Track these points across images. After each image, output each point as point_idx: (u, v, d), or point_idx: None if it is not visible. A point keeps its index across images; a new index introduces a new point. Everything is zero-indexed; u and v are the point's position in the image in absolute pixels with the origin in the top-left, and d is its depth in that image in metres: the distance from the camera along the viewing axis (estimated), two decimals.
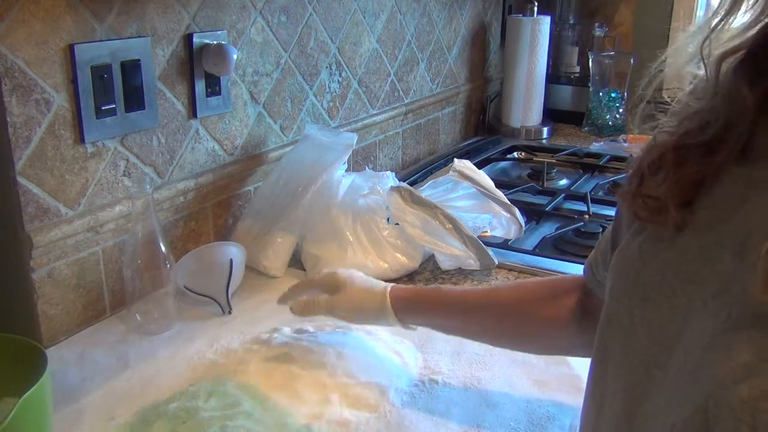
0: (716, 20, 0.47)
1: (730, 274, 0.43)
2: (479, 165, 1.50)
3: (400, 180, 1.24)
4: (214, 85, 1.10)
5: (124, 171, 0.99)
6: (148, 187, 0.90)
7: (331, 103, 1.41)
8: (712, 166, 0.47)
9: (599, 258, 0.67)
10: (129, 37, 0.96)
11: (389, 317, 0.81)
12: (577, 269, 1.12)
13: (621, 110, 2.08)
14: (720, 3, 0.47)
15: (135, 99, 0.97)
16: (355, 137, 1.21)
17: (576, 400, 0.80)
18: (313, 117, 1.37)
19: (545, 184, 1.60)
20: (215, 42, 1.08)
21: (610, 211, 1.44)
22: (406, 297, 0.81)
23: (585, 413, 0.59)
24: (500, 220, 1.22)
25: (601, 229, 1.27)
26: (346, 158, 1.18)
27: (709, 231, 0.46)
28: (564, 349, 0.81)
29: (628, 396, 0.50)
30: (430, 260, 1.16)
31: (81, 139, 0.91)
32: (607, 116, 2.08)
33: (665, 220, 0.49)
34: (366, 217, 1.13)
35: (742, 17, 0.47)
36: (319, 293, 0.87)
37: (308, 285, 0.90)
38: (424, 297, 0.82)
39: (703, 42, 0.48)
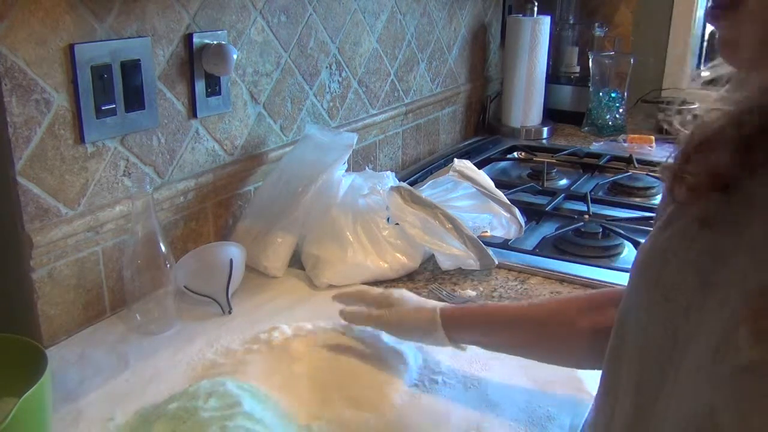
0: None
1: (744, 276, 0.43)
2: (479, 165, 1.50)
3: (400, 180, 1.24)
4: (214, 85, 1.10)
5: (124, 171, 0.99)
6: (148, 187, 0.90)
7: (331, 103, 1.41)
8: (747, 160, 0.45)
9: None
10: (129, 37, 0.95)
11: (438, 334, 0.81)
12: (577, 269, 1.13)
13: (621, 110, 2.08)
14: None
15: (135, 99, 0.97)
16: (355, 137, 1.21)
17: (576, 400, 0.81)
18: (313, 117, 1.37)
19: (545, 184, 1.60)
20: (215, 42, 1.08)
21: (611, 211, 1.44)
22: (454, 314, 0.82)
23: (597, 408, 0.59)
24: (500, 220, 1.22)
25: (601, 229, 1.27)
26: (346, 158, 1.18)
27: (732, 231, 0.46)
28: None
29: (641, 392, 0.50)
30: (430, 260, 1.16)
31: (81, 139, 0.91)
32: (607, 116, 2.08)
33: (698, 205, 0.48)
34: (366, 217, 1.13)
35: None
36: (370, 306, 0.88)
37: (362, 296, 0.91)
38: (471, 313, 0.84)
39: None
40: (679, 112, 0.54)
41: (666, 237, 0.52)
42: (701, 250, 0.47)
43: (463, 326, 0.82)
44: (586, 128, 2.12)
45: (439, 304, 0.84)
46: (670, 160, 0.52)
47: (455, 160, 1.27)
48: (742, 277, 0.43)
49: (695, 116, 0.52)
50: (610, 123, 2.07)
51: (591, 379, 0.84)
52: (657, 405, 0.48)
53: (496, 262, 1.12)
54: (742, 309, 0.41)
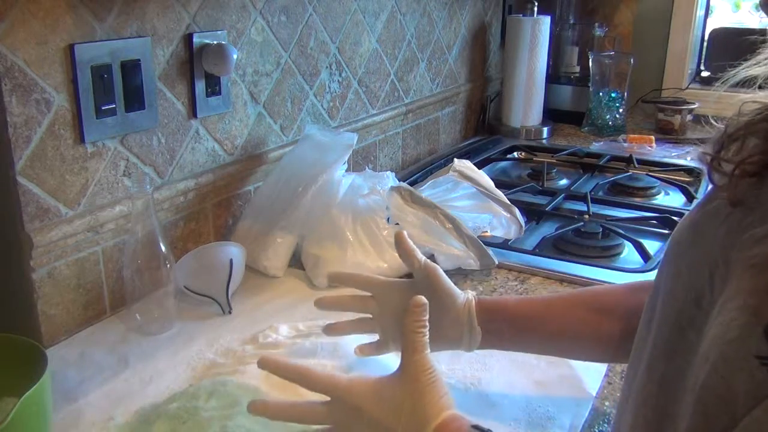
0: None
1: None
2: (479, 165, 1.50)
3: (400, 180, 1.24)
4: (214, 85, 1.10)
5: (124, 171, 0.99)
6: (148, 187, 0.90)
7: (331, 103, 1.41)
8: None
9: None
10: (129, 37, 0.96)
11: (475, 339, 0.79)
12: (577, 269, 1.13)
13: (621, 110, 2.08)
14: None
15: (135, 99, 0.97)
16: (355, 137, 1.21)
17: (576, 400, 0.80)
18: (313, 117, 1.37)
19: (545, 184, 1.60)
20: (215, 42, 1.08)
21: (610, 211, 1.44)
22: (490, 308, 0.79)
23: (627, 378, 0.61)
24: (500, 220, 1.22)
25: (601, 229, 1.27)
26: (346, 158, 1.18)
27: (756, 210, 0.47)
28: None
29: (666, 356, 0.52)
30: (430, 260, 1.16)
31: (81, 139, 0.91)
32: (607, 116, 2.08)
33: (731, 188, 0.50)
34: (366, 217, 1.13)
35: None
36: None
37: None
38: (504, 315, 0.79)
39: None
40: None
41: (702, 213, 0.55)
42: (729, 229, 0.49)
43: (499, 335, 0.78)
44: (586, 128, 2.12)
45: (470, 294, 0.80)
46: (708, 147, 0.55)
47: (455, 160, 1.27)
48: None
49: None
50: (610, 123, 2.07)
51: (591, 379, 0.84)
52: (676, 365, 0.49)
53: (496, 262, 1.12)
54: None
